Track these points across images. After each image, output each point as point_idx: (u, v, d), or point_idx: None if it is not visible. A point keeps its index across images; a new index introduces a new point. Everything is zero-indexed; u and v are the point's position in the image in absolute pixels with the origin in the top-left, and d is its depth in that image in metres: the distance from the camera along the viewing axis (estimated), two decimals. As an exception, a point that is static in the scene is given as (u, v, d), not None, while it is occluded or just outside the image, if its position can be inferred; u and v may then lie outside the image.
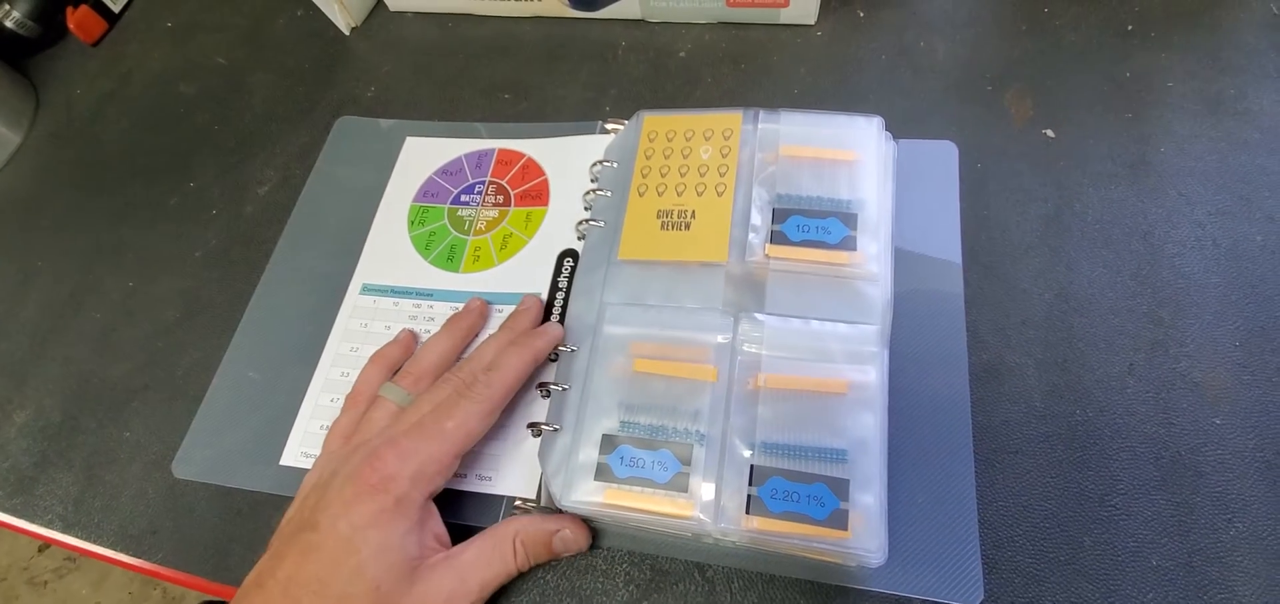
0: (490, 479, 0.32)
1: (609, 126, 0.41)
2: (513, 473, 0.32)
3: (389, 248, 0.40)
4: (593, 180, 0.39)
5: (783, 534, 0.26)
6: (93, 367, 0.40)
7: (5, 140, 0.51)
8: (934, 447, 0.31)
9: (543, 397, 0.33)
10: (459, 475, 0.32)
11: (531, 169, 0.41)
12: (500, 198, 0.41)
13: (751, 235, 0.32)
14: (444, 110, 0.45)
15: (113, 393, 0.39)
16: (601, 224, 0.36)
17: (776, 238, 0.32)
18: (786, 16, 0.43)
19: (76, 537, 0.36)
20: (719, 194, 0.33)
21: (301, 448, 0.35)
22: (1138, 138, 0.37)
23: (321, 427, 0.35)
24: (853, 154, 0.33)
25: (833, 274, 0.31)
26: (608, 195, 0.37)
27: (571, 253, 0.37)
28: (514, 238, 0.39)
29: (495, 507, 0.32)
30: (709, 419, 0.28)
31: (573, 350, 0.33)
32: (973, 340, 0.33)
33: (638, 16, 0.46)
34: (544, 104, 0.44)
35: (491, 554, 0.29)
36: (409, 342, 0.36)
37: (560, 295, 0.36)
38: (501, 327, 0.35)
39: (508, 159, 0.42)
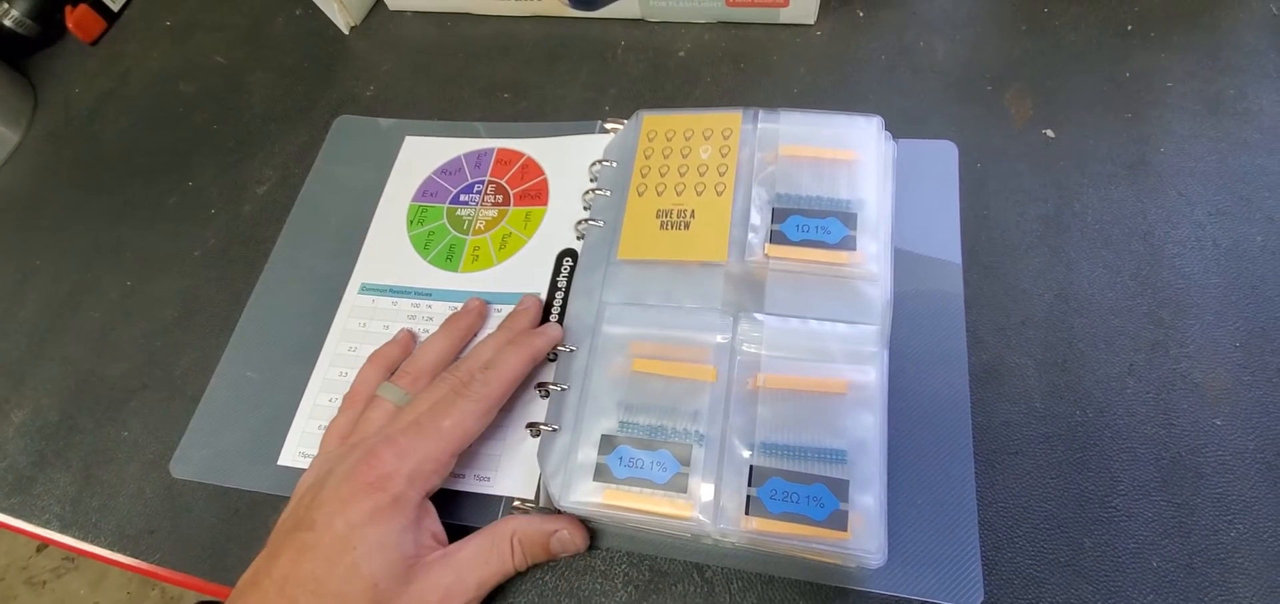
0: (489, 479, 0.32)
1: (608, 126, 0.41)
2: (511, 473, 0.32)
3: (388, 247, 0.40)
4: (592, 180, 0.39)
5: (782, 535, 0.26)
6: (91, 366, 0.40)
7: (4, 139, 0.51)
8: (934, 447, 0.31)
9: (541, 397, 0.33)
10: (457, 475, 0.32)
11: (531, 168, 0.41)
12: (499, 197, 0.40)
13: (751, 235, 0.32)
14: (443, 110, 0.45)
15: (111, 392, 0.39)
16: (601, 224, 0.36)
17: (776, 238, 0.31)
18: (786, 16, 0.43)
19: (74, 537, 0.36)
20: (718, 194, 0.33)
21: (299, 448, 0.35)
22: (1137, 138, 0.37)
23: (320, 426, 0.35)
24: (852, 154, 0.33)
25: (832, 274, 0.31)
26: (607, 195, 0.37)
27: (571, 252, 0.37)
28: (513, 237, 0.39)
29: (494, 507, 0.32)
30: (708, 419, 0.28)
31: (572, 350, 0.32)
32: (972, 341, 0.33)
33: (637, 16, 0.46)
34: (543, 103, 0.44)
35: (489, 552, 0.29)
36: (407, 341, 0.36)
37: (559, 295, 0.36)
38: (500, 326, 0.34)
39: (507, 158, 0.42)
